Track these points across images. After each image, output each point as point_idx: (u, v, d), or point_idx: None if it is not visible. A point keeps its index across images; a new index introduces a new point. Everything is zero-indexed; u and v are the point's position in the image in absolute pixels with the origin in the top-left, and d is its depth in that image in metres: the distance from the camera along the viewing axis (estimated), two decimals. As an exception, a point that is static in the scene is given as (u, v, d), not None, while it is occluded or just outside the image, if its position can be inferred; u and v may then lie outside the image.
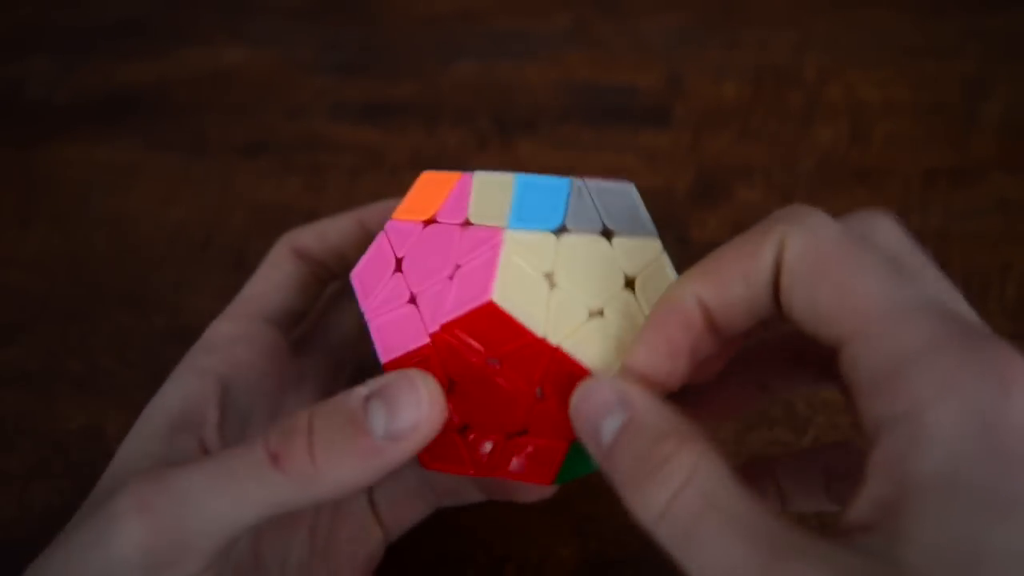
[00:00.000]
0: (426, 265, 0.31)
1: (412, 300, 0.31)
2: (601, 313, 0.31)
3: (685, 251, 0.44)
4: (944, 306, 0.25)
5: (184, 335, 0.42)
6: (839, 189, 0.47)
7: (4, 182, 0.52)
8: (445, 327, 0.30)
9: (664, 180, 0.48)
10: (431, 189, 0.33)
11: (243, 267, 0.45)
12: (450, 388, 0.31)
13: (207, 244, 0.47)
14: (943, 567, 0.23)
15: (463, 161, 0.49)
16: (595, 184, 0.32)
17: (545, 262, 0.30)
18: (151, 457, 0.30)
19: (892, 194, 0.46)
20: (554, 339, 0.30)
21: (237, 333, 0.34)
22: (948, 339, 0.24)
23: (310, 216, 0.46)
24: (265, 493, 0.28)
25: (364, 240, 0.37)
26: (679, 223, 0.46)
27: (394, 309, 0.31)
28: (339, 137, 0.51)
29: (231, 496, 0.28)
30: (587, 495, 0.36)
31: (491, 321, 0.29)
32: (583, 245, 0.31)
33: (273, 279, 0.36)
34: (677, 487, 0.25)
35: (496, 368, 0.30)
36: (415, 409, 0.29)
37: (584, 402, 0.28)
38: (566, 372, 0.30)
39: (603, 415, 0.28)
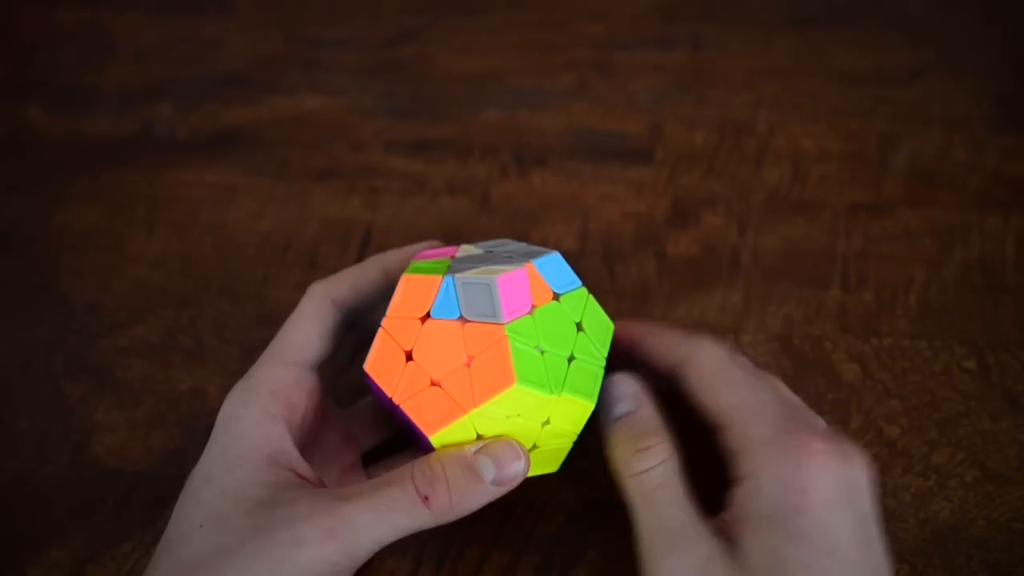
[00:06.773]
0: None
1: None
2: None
3: (663, 263, 0.47)
4: (775, 403, 0.34)
5: (269, 319, 0.45)
6: (783, 217, 0.49)
7: (136, 198, 0.51)
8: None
9: (647, 207, 0.49)
10: (415, 291, 0.33)
11: (315, 267, 0.48)
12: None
13: (287, 248, 0.48)
14: (762, 564, 0.31)
15: (489, 187, 0.50)
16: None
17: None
18: (264, 486, 0.33)
19: (823, 223, 0.48)
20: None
21: (293, 379, 0.35)
22: (775, 432, 0.33)
23: (369, 228, 0.49)
24: (412, 523, 0.32)
25: (387, 286, 0.37)
26: (658, 241, 0.48)
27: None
28: (391, 167, 0.52)
29: (389, 524, 0.32)
30: (580, 450, 0.37)
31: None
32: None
33: (316, 330, 0.36)
34: (652, 465, 0.34)
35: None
36: (517, 464, 0.33)
37: (613, 385, 0.36)
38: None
39: (618, 399, 0.36)
